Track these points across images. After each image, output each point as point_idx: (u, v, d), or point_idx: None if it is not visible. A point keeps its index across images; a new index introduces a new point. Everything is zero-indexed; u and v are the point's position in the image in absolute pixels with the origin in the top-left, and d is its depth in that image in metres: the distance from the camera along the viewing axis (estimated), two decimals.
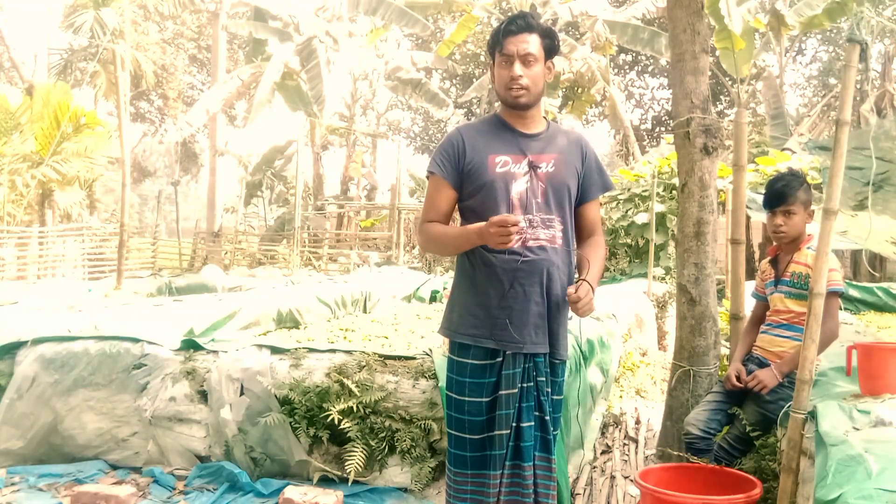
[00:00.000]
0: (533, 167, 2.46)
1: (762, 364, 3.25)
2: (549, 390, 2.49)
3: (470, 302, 2.47)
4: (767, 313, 3.41)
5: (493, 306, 2.43)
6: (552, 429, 2.50)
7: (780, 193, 3.27)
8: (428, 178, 2.57)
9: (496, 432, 2.41)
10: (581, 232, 2.61)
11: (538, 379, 2.45)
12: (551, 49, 2.48)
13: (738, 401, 3.27)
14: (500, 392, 2.41)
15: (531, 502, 2.42)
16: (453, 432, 2.49)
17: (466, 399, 2.44)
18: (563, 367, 2.57)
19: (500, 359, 2.42)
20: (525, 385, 2.43)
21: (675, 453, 3.31)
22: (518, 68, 2.40)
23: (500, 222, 2.22)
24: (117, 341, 4.02)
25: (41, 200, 15.29)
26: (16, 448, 3.93)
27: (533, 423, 2.44)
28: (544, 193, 2.46)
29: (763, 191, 3.43)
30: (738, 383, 3.23)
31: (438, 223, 2.51)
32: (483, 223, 2.30)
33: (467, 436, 2.45)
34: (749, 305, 4.23)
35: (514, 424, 2.42)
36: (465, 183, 2.48)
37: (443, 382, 3.48)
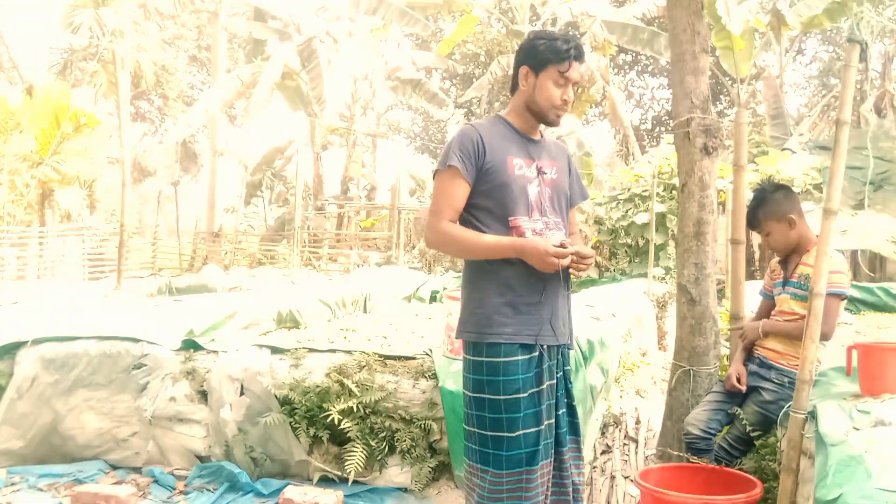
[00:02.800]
0: (541, 172, 2.54)
1: (763, 364, 3.25)
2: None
3: (497, 301, 2.45)
4: (772, 312, 3.40)
5: (524, 303, 2.45)
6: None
7: (748, 220, 3.41)
8: (440, 172, 2.50)
9: (545, 422, 2.45)
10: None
11: (565, 367, 2.57)
12: None
13: (738, 401, 3.27)
14: (543, 385, 2.46)
15: (569, 482, 2.52)
16: (489, 433, 2.44)
17: (502, 398, 2.42)
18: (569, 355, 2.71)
19: (535, 353, 2.45)
20: (557, 375, 2.53)
21: (675, 453, 3.31)
22: (571, 93, 2.51)
23: (556, 253, 2.33)
24: (117, 341, 4.02)
25: (41, 200, 15.29)
26: (16, 448, 3.94)
27: (565, 410, 2.55)
28: (550, 198, 2.55)
29: None
30: (738, 385, 3.23)
31: (458, 224, 2.50)
32: (522, 239, 2.40)
33: (505, 434, 2.42)
34: (749, 305, 4.23)
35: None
36: (479, 181, 2.48)
37: (443, 383, 3.49)
